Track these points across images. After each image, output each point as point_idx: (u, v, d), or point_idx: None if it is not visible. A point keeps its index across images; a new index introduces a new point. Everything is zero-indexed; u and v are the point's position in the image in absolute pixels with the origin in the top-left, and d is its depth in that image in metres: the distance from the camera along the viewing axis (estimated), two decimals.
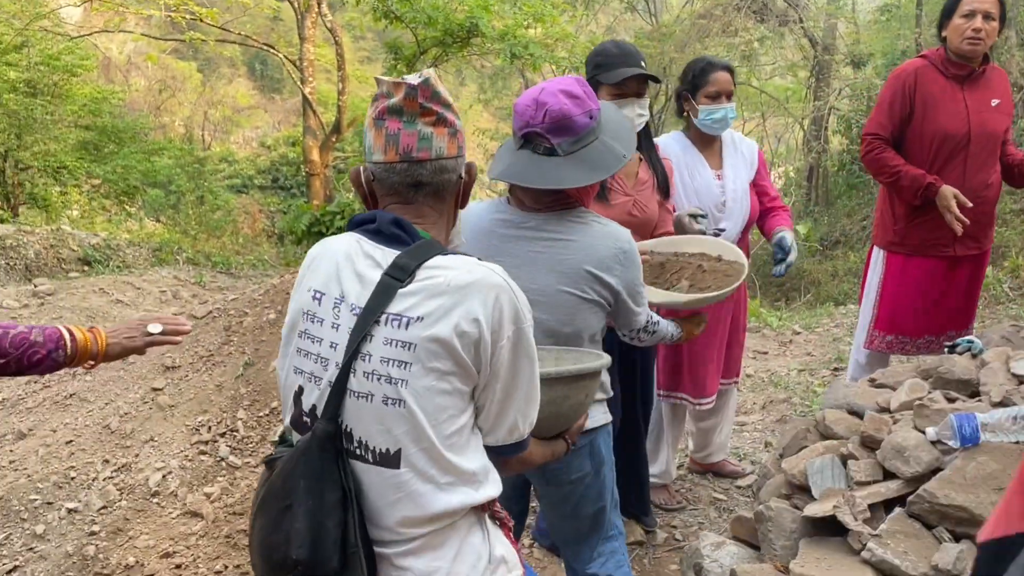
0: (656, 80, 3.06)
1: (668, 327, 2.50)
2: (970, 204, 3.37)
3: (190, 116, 25.50)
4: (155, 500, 3.83)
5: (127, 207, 17.32)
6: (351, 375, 1.49)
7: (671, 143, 3.46)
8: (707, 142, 3.47)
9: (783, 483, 2.85)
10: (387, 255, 1.53)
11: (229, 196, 19.64)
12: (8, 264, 9.92)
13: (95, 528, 3.69)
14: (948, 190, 3.39)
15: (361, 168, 1.65)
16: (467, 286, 1.49)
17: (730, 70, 3.44)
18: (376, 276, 1.51)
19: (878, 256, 3.76)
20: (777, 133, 18.92)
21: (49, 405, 4.72)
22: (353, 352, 1.49)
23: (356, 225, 1.61)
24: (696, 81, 3.39)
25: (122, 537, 3.64)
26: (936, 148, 3.46)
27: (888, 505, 2.49)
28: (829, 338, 6.24)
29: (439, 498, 1.51)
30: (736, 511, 3.45)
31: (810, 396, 4.98)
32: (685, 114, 3.48)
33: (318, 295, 1.57)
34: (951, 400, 2.99)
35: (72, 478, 4.12)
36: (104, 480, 4.04)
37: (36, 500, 3.93)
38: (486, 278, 1.51)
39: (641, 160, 3.05)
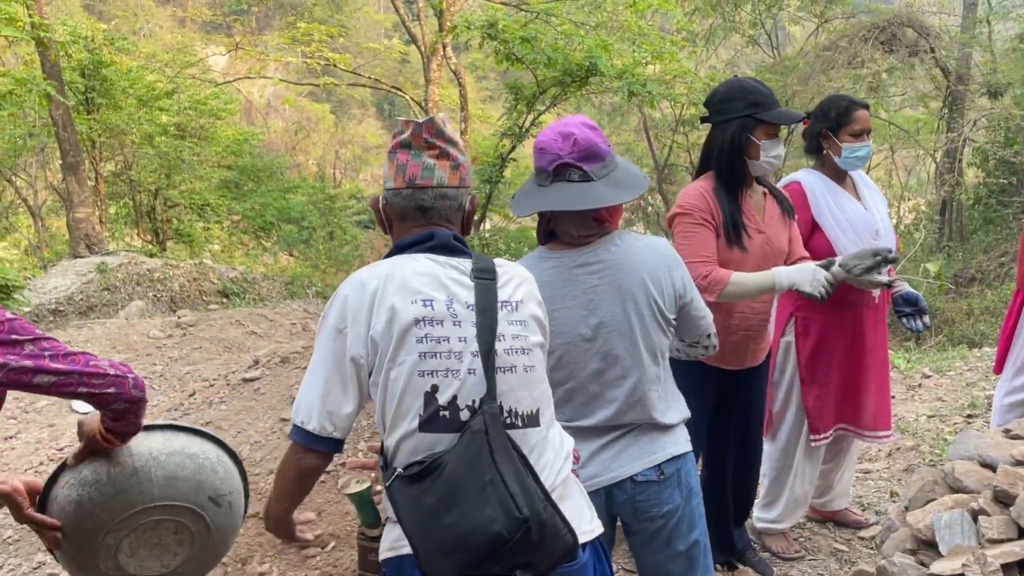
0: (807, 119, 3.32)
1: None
2: None
3: (323, 155, 26.75)
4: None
5: (263, 242, 18.28)
6: (495, 355, 1.76)
7: (812, 179, 3.46)
8: (840, 178, 3.47)
9: (908, 537, 2.74)
10: (462, 262, 1.84)
11: (357, 232, 20.41)
12: (155, 296, 10.66)
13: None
14: None
15: (379, 197, 1.93)
16: (528, 278, 1.93)
17: (867, 108, 3.46)
18: (467, 279, 1.81)
19: None
20: (907, 166, 18.19)
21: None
22: (490, 336, 1.76)
23: (407, 247, 1.85)
24: (841, 119, 3.39)
25: (249, 561, 3.83)
26: None
27: (1022, 566, 2.38)
28: (962, 383, 5.92)
29: (563, 446, 1.87)
30: (858, 564, 3.33)
31: (940, 444, 4.74)
32: (824, 152, 3.47)
33: (427, 302, 1.75)
34: None
35: None
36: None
37: None
38: (528, 273, 1.96)
39: (766, 195, 3.09)
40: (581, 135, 2.21)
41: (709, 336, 2.42)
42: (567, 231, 2.29)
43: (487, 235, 11.89)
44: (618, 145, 21.62)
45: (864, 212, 3.41)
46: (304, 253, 18.55)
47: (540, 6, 11.65)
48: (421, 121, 1.84)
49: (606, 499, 2.27)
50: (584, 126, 2.25)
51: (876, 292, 3.35)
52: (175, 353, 7.00)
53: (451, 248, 1.84)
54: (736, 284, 2.79)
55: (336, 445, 1.79)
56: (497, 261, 1.89)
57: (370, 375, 1.77)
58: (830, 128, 3.41)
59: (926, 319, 3.25)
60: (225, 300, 11.18)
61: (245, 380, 5.32)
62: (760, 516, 3.64)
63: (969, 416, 5.12)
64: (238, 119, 20.88)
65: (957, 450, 3.34)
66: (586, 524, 1.85)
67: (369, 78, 14.25)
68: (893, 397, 5.83)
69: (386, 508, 1.81)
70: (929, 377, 6.22)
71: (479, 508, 1.62)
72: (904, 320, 3.26)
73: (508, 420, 1.75)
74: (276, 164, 19.14)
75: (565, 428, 2.12)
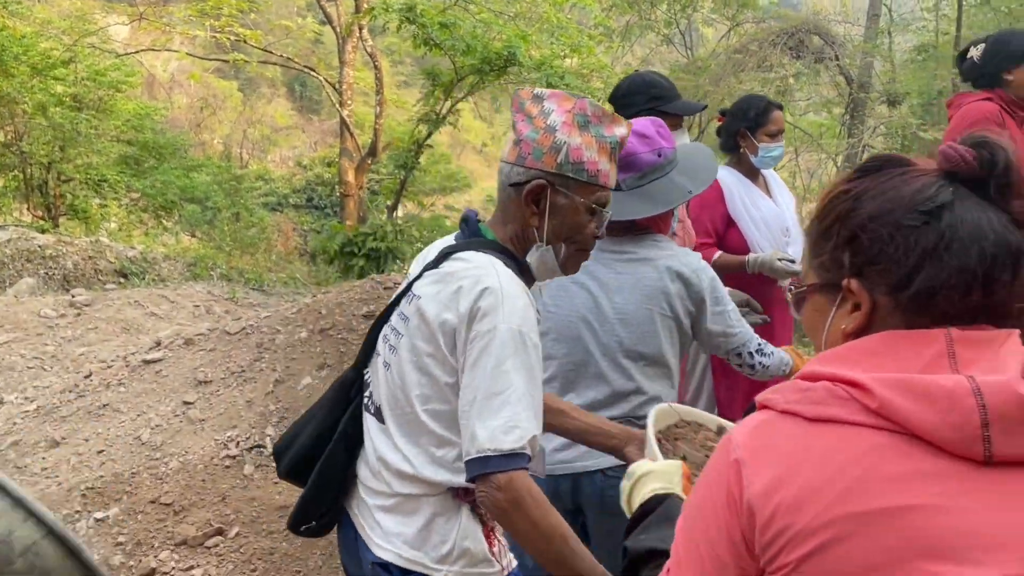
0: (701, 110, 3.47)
1: (780, 355, 2.46)
2: None
3: (229, 134, 25.95)
4: (180, 515, 3.89)
5: (164, 221, 17.61)
6: (377, 337, 1.78)
7: (726, 176, 3.52)
8: (753, 176, 3.57)
9: None
10: (447, 243, 1.77)
11: (264, 214, 19.88)
12: (47, 273, 10.13)
13: (121, 539, 3.75)
14: None
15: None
16: (462, 279, 1.61)
17: (782, 109, 3.60)
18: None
19: None
20: (810, 169, 18.85)
21: (83, 414, 4.80)
22: (385, 318, 1.77)
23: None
24: (759, 119, 3.48)
25: (145, 547, 3.69)
26: None
27: None
28: None
29: (418, 463, 1.67)
30: None
31: None
32: (741, 150, 3.53)
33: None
34: None
35: (101, 488, 4.19)
36: (131, 490, 4.11)
37: (65, 508, 4.00)
38: (482, 277, 1.60)
39: None
40: None
41: (740, 355, 2.39)
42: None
43: (399, 222, 11.75)
44: None
45: (776, 209, 3.52)
46: (208, 234, 17.97)
47: None
48: (518, 91, 1.80)
49: (572, 486, 2.28)
50: (632, 133, 2.19)
51: (785, 283, 3.44)
52: (68, 333, 6.68)
53: (460, 230, 1.81)
54: (719, 261, 3.10)
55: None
56: (465, 254, 1.69)
57: None
58: (748, 127, 3.49)
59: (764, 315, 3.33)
60: (123, 280, 10.71)
61: (146, 362, 5.11)
62: None
63: None
64: (140, 93, 20.03)
65: None
66: (410, 551, 1.72)
67: (281, 56, 13.88)
68: None
69: None
70: None
71: (293, 433, 1.88)
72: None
73: (366, 401, 1.81)
74: (179, 141, 18.42)
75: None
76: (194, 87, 24.77)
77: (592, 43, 10.89)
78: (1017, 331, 0.95)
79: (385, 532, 1.72)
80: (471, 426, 1.54)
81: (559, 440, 2.22)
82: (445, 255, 1.70)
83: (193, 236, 18.53)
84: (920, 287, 0.94)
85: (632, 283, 2.25)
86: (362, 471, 1.80)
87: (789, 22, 14.32)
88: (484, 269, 1.62)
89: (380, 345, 1.78)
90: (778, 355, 2.44)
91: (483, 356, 1.54)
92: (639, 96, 2.94)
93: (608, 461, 2.21)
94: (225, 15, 12.05)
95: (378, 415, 1.75)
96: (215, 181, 18.64)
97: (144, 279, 10.27)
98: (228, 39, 12.36)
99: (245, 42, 12.65)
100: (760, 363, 2.40)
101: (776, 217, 3.49)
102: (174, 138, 18.12)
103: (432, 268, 1.70)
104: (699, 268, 2.30)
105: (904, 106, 12.83)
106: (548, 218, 1.68)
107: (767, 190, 3.60)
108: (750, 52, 13.78)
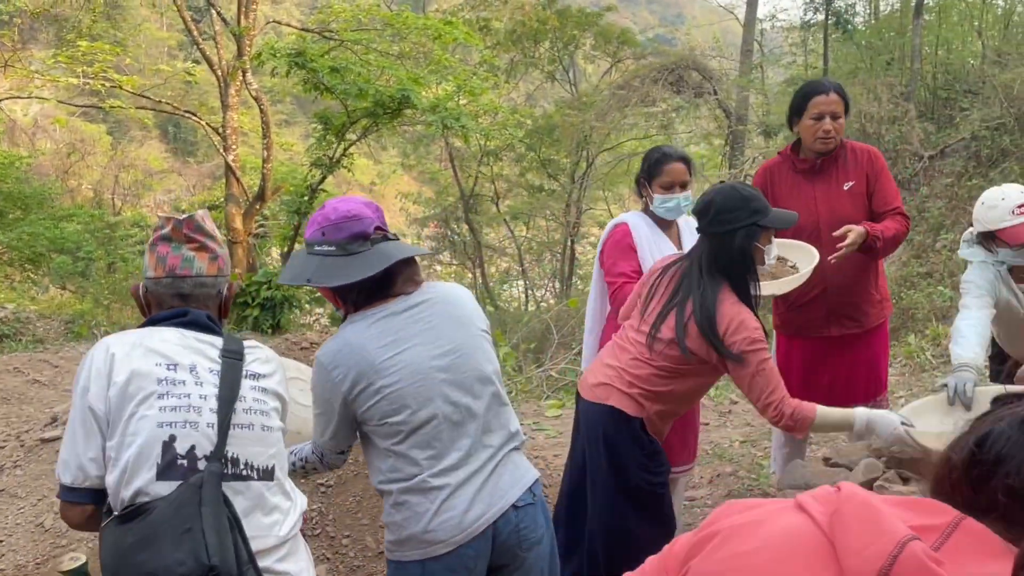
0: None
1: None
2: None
3: (100, 180, 24.73)
4: None
5: (31, 275, 16.59)
6: (233, 412, 1.94)
7: (639, 222, 3.56)
8: (665, 224, 3.58)
9: None
10: (214, 340, 2.01)
11: (141, 262, 18.98)
12: None
13: None
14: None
15: (139, 285, 2.11)
16: (276, 360, 2.15)
17: (686, 160, 3.55)
18: (215, 353, 1.99)
19: (774, 337, 3.88)
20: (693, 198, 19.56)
21: None
22: (231, 395, 1.95)
23: (160, 320, 2.02)
24: (652, 171, 3.49)
25: None
26: (793, 237, 3.49)
27: None
28: None
29: (296, 504, 2.05)
30: None
31: (756, 469, 5.04)
32: (643, 199, 3.59)
33: (171, 365, 1.92)
34: (905, 480, 3.09)
35: None
36: None
37: None
38: (276, 358, 2.16)
39: None
40: (343, 207, 2.29)
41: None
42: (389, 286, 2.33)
43: None
44: (423, 174, 21.71)
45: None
46: (82, 287, 17.02)
47: (345, 35, 11.45)
48: (182, 218, 2.05)
49: (493, 537, 2.21)
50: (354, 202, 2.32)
51: None
52: None
53: (203, 326, 2.02)
54: (820, 419, 2.74)
55: (95, 495, 1.90)
56: (247, 343, 2.09)
57: (109, 432, 1.88)
58: (645, 178, 3.53)
59: None
60: None
61: (43, 440, 4.73)
62: None
63: None
64: (0, 140, 18.91)
65: (786, 480, 3.55)
66: None
67: (159, 101, 13.37)
68: (706, 424, 6.17)
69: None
70: (736, 403, 6.63)
71: (171, 551, 1.75)
72: None
73: (244, 472, 1.93)
74: (47, 191, 17.46)
75: (435, 477, 2.17)
76: (59, 132, 23.56)
77: (484, 84, 10.97)
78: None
79: (296, 571, 2.05)
80: None
81: (463, 501, 2.17)
82: (237, 350, 2.07)
83: (63, 289, 17.53)
84: None
85: (449, 320, 2.28)
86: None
87: (668, 58, 14.92)
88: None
89: (241, 417, 2.01)
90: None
91: None
92: (741, 211, 2.80)
93: (514, 494, 2.25)
94: (99, 62, 11.52)
95: (266, 475, 2.01)
96: (87, 230, 17.70)
97: (21, 342, 9.61)
98: (103, 86, 11.80)
99: (121, 88, 12.12)
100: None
101: None
102: (40, 188, 17.17)
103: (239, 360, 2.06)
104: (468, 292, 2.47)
105: (780, 136, 13.52)
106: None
107: (678, 239, 3.61)
108: (633, 88, 14.25)
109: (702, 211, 2.86)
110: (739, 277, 2.80)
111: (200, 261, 2.04)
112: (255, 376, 2.04)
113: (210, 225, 2.08)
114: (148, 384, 1.89)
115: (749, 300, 2.81)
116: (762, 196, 2.91)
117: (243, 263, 12.62)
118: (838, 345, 3.68)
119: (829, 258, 3.39)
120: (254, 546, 1.87)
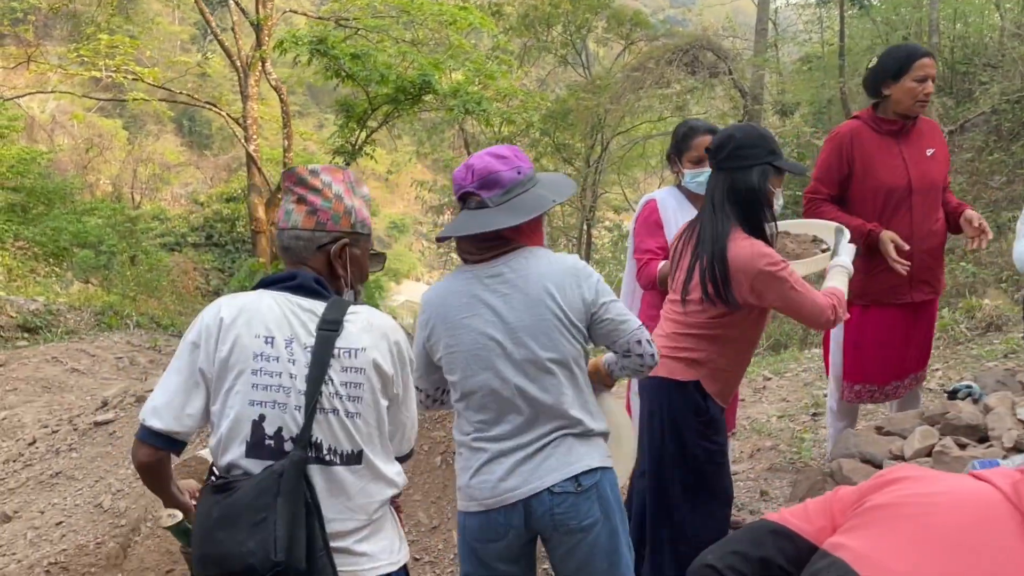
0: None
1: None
2: (907, 247, 3.45)
3: (118, 175, 24.90)
4: None
5: (56, 269, 16.76)
6: (319, 397, 1.90)
7: (667, 197, 3.57)
8: (696, 199, 3.54)
9: None
10: (316, 306, 1.97)
11: (162, 255, 19.16)
12: None
13: None
14: (887, 235, 3.45)
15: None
16: (381, 327, 2.01)
17: (714, 133, 3.43)
18: (312, 325, 1.94)
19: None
20: None
21: (34, 485, 4.53)
22: (318, 379, 1.90)
23: (270, 283, 2.02)
24: (680, 146, 3.50)
25: None
26: (882, 201, 3.54)
27: None
28: (800, 383, 6.39)
29: (383, 487, 1.99)
30: None
31: (796, 443, 5.09)
32: (675, 174, 3.63)
33: (269, 339, 1.93)
34: (962, 446, 3.14)
35: (66, 563, 3.96)
36: (99, 562, 3.89)
37: None
38: (387, 322, 2.05)
39: None
40: (480, 165, 2.38)
41: (640, 343, 2.39)
42: (467, 250, 2.43)
43: None
44: (437, 162, 21.74)
45: None
46: (106, 280, 17.17)
47: (364, 22, 11.51)
48: (288, 172, 2.10)
49: (524, 512, 2.31)
50: (490, 156, 2.40)
51: None
52: None
53: (309, 290, 1.99)
54: (844, 289, 2.91)
55: (174, 444, 1.95)
56: (352, 308, 2.00)
57: (210, 396, 1.95)
58: (675, 153, 3.53)
59: None
60: (27, 335, 10.13)
61: (97, 424, 4.86)
62: None
63: (815, 415, 5.54)
64: (20, 136, 19.03)
65: (838, 449, 3.61)
66: (393, 555, 2.03)
67: (180, 93, 13.47)
68: (743, 400, 6.22)
69: None
70: (770, 379, 6.67)
71: (246, 538, 1.79)
72: None
73: (327, 457, 1.92)
74: (68, 185, 17.61)
75: (481, 441, 2.33)
76: (77, 127, 23.71)
77: (503, 68, 11.01)
78: None
79: (376, 552, 2.00)
80: None
81: (501, 469, 2.31)
82: (335, 320, 1.97)
83: (87, 283, 17.68)
84: None
85: (520, 297, 2.32)
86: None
87: (682, 39, 14.88)
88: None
89: (328, 401, 1.94)
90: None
91: None
92: (759, 149, 2.80)
93: (553, 478, 2.29)
94: (121, 55, 11.61)
95: (352, 460, 1.96)
96: (108, 224, 17.83)
97: (55, 333, 9.74)
98: (125, 79, 11.90)
99: (142, 80, 12.21)
100: (650, 354, 2.42)
101: None
102: (62, 183, 17.31)
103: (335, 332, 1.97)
104: (576, 267, 2.39)
105: (796, 115, 13.51)
106: (350, 268, 2.08)
107: None
108: (647, 70, 14.24)
109: (719, 146, 2.83)
110: (752, 213, 2.78)
111: (297, 214, 2.03)
112: (347, 353, 1.95)
113: (319, 179, 2.04)
114: (245, 358, 1.91)
115: (764, 239, 2.80)
116: (775, 140, 2.93)
117: (267, 252, 12.74)
118: (912, 312, 3.70)
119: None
120: (332, 528, 1.89)
